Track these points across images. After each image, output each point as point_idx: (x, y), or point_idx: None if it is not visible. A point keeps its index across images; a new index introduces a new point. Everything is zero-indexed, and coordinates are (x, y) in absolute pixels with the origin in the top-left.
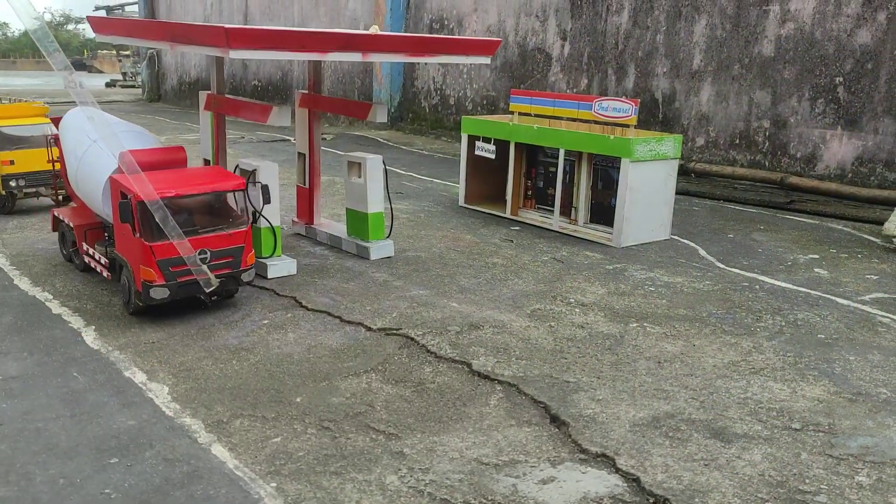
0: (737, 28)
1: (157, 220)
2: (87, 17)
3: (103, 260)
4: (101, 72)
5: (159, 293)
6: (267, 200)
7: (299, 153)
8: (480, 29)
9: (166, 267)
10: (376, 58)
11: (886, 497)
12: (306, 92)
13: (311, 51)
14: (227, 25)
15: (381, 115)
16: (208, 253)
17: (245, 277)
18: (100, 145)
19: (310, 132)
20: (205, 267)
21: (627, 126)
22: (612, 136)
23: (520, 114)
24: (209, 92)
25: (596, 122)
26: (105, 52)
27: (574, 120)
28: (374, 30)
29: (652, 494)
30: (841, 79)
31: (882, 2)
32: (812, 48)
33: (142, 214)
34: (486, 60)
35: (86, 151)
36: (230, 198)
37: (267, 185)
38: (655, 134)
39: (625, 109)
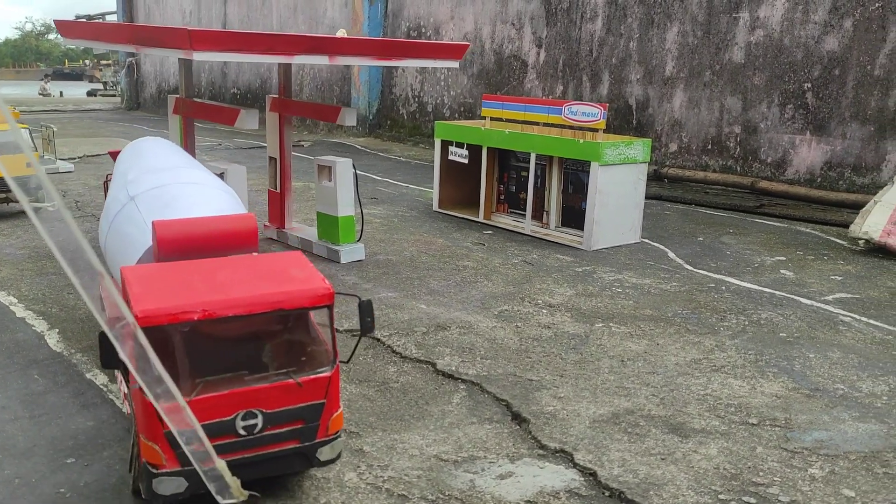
0: (708, 35)
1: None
2: (55, 21)
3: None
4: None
5: (169, 486)
6: (368, 327)
7: (270, 157)
8: (457, 36)
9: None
10: (343, 61)
11: (838, 489)
12: (277, 96)
13: (278, 53)
14: (190, 27)
15: (349, 119)
16: (259, 417)
17: (324, 455)
18: (137, 206)
19: (280, 136)
20: (220, 462)
21: (596, 130)
22: (581, 141)
23: (492, 119)
24: (177, 96)
25: (566, 127)
26: (106, 62)
27: (547, 125)
28: (342, 33)
29: (607, 488)
30: (809, 85)
31: (848, 9)
32: (781, 55)
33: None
34: (455, 64)
35: (119, 212)
36: (307, 318)
37: (369, 301)
38: (624, 138)
39: (594, 114)
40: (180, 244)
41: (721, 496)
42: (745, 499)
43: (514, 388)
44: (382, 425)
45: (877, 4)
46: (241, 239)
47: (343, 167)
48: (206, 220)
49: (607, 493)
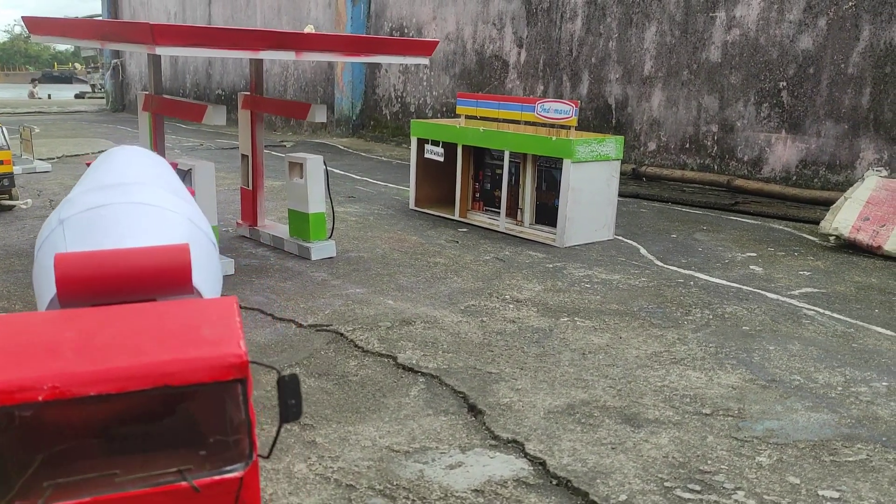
0: (685, 34)
1: None
2: (23, 17)
3: None
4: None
5: None
6: (292, 412)
7: (242, 155)
8: (439, 37)
9: None
10: (310, 56)
11: (784, 476)
12: (248, 94)
13: (243, 49)
14: (153, 22)
15: (319, 115)
16: None
17: None
18: (64, 232)
19: (252, 134)
20: None
21: (569, 128)
22: (554, 138)
23: (466, 117)
24: (147, 92)
25: (541, 125)
26: (95, 65)
27: (523, 123)
28: (310, 29)
29: (555, 476)
30: (784, 83)
31: (822, 8)
32: (757, 54)
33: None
34: (425, 61)
35: (46, 238)
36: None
37: (295, 377)
38: (597, 135)
39: (565, 111)
40: (86, 285)
41: (667, 483)
42: (691, 486)
43: (473, 381)
44: (337, 417)
45: (850, 3)
46: (167, 278)
47: (314, 164)
48: (124, 254)
49: (555, 482)
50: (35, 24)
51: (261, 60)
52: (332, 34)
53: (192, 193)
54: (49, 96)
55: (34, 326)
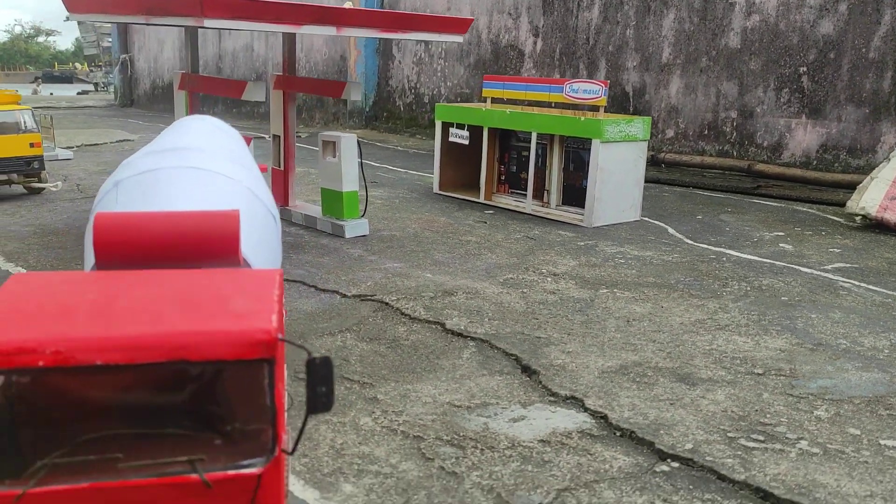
0: (704, 21)
1: None
2: None
3: None
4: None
5: None
6: (321, 400)
7: (274, 135)
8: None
9: None
10: (350, 32)
11: (843, 428)
12: (280, 74)
13: (286, 23)
14: None
15: (354, 93)
16: None
17: None
18: (118, 194)
19: (284, 114)
20: None
21: (598, 108)
22: (582, 118)
23: (492, 100)
24: (183, 71)
25: (568, 106)
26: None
27: (547, 105)
28: (349, 5)
29: (618, 428)
30: (805, 69)
31: None
32: (777, 39)
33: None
34: (459, 38)
35: (100, 201)
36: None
37: (327, 359)
38: (625, 116)
39: (595, 91)
40: (125, 247)
41: (730, 434)
42: (754, 436)
43: (523, 345)
44: (395, 377)
45: None
46: (213, 245)
47: (347, 142)
48: (168, 217)
49: (618, 434)
50: (74, 2)
51: (294, 41)
52: (371, 10)
53: (264, 170)
54: (51, 94)
55: (54, 286)
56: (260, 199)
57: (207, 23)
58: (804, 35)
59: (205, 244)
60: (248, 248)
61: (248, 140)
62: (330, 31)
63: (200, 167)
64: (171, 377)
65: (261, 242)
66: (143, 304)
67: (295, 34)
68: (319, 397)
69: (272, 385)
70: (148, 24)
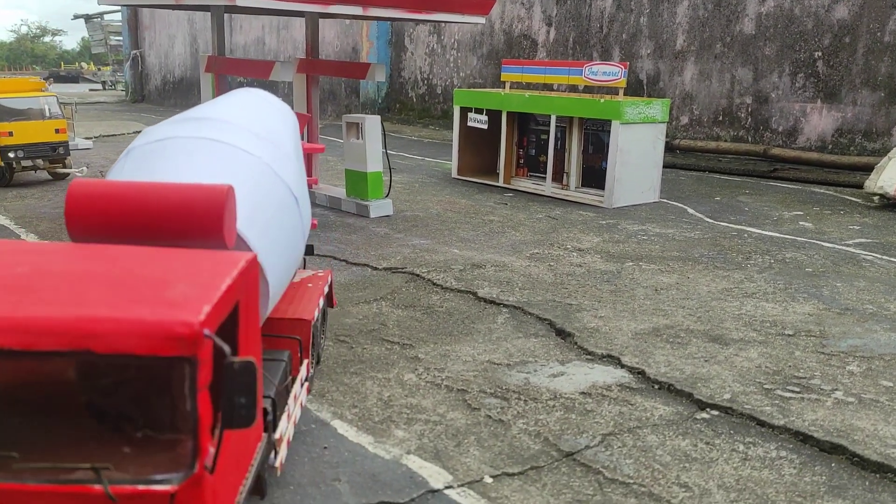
0: (718, 7)
1: None
2: None
3: None
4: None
5: None
6: (239, 413)
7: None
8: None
9: None
10: (376, 12)
11: (876, 380)
12: (303, 57)
13: (314, 2)
14: None
15: (379, 74)
16: None
17: None
18: (125, 163)
19: (308, 97)
20: None
21: (618, 90)
22: (602, 100)
23: (510, 85)
24: (209, 54)
25: (585, 90)
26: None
27: (568, 89)
28: None
29: (657, 382)
30: (820, 53)
31: None
32: (791, 24)
33: None
34: (481, 20)
35: (111, 170)
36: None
37: (249, 363)
38: (644, 98)
39: (614, 73)
40: (97, 218)
41: (766, 386)
42: (790, 388)
43: (556, 311)
44: (433, 339)
45: None
46: (193, 222)
47: (372, 123)
48: (148, 189)
49: (657, 387)
50: None
51: (317, 25)
52: None
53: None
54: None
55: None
56: (281, 178)
57: (240, 1)
58: (819, 20)
59: (185, 220)
60: (249, 228)
61: (305, 118)
62: (356, 10)
63: (217, 139)
64: (76, 369)
65: (271, 224)
66: (70, 283)
67: (318, 19)
68: (238, 409)
69: (194, 389)
70: (177, 8)
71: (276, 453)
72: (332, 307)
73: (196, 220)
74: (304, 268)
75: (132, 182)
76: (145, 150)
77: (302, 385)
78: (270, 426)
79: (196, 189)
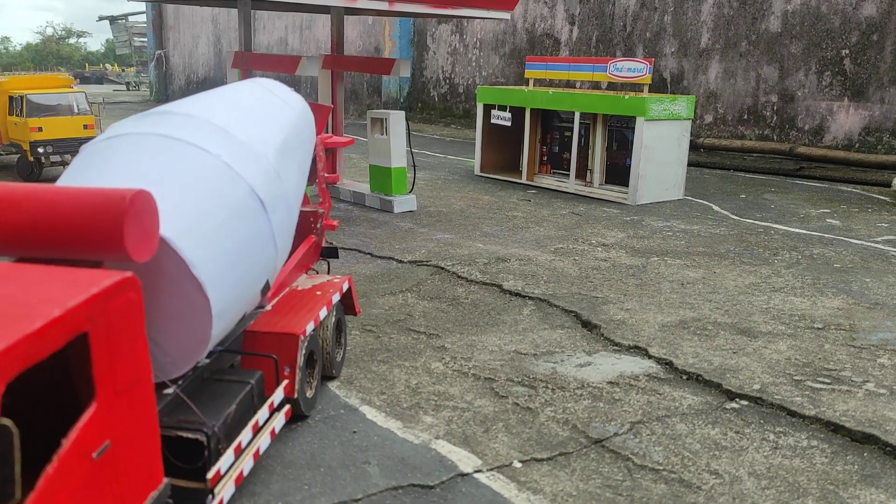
0: (744, 6)
1: None
2: None
3: None
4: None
5: None
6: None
7: None
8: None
9: None
10: (402, 7)
11: None
12: (329, 54)
13: None
14: None
15: (404, 70)
16: None
17: None
18: (74, 162)
19: (333, 93)
20: None
21: (643, 87)
22: (627, 97)
23: (534, 82)
24: (236, 50)
25: (609, 87)
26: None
27: (588, 87)
28: None
29: (685, 372)
30: (847, 51)
31: None
32: (818, 22)
33: None
34: (507, 15)
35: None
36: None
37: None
38: (669, 95)
39: (639, 69)
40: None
41: (796, 377)
42: (820, 380)
43: (581, 303)
44: (459, 330)
45: None
46: (90, 232)
47: (396, 119)
48: (46, 195)
49: (685, 377)
50: None
51: (342, 21)
52: None
53: (331, 143)
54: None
55: None
56: (243, 179)
57: None
58: (846, 17)
59: (82, 231)
60: (184, 236)
61: (327, 110)
62: (382, 5)
63: (171, 136)
64: None
65: (221, 231)
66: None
67: (343, 16)
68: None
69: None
70: (205, 4)
71: (212, 496)
72: (354, 314)
73: (93, 230)
74: (329, 272)
75: (30, 186)
76: (98, 148)
77: (277, 410)
78: (208, 464)
79: (97, 195)
